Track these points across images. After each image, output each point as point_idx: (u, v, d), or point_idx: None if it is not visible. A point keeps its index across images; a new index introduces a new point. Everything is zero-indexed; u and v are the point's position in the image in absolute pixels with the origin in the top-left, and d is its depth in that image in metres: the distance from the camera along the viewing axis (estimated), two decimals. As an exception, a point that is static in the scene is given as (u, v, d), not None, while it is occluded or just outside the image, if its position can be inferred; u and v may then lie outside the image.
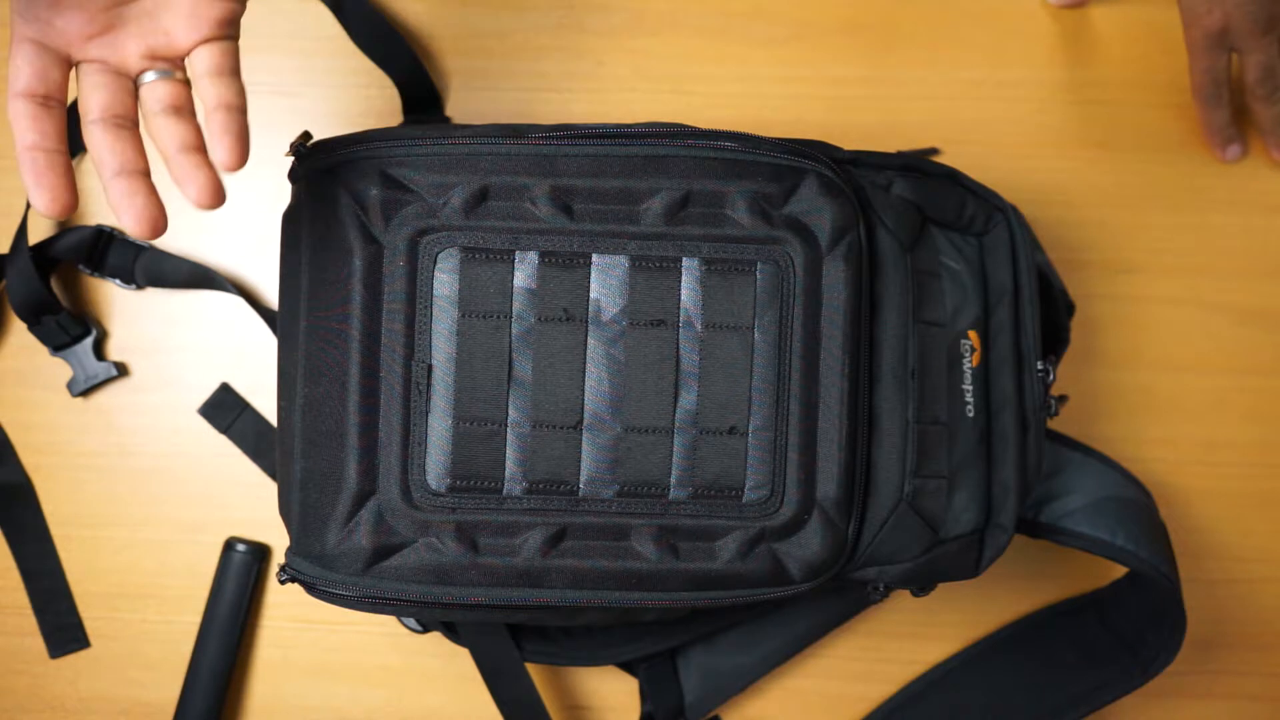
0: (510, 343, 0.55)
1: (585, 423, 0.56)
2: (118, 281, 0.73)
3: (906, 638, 0.74)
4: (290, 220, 0.58)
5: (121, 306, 0.73)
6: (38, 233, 0.72)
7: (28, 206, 0.70)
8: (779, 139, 0.57)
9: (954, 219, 0.63)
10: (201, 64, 0.51)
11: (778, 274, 0.56)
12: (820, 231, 0.57)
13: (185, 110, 0.50)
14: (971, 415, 0.62)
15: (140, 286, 0.73)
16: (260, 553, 0.72)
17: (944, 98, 0.75)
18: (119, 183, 0.48)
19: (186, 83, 0.51)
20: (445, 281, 0.55)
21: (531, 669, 0.70)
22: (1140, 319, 0.75)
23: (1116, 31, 0.76)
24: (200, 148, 0.49)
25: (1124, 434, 0.74)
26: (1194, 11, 0.69)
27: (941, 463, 0.60)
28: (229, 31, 0.51)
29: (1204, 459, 0.74)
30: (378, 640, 0.73)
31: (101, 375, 0.72)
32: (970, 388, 0.62)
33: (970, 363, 0.62)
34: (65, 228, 0.73)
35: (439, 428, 0.55)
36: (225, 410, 0.73)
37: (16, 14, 0.49)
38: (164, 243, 0.73)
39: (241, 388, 0.73)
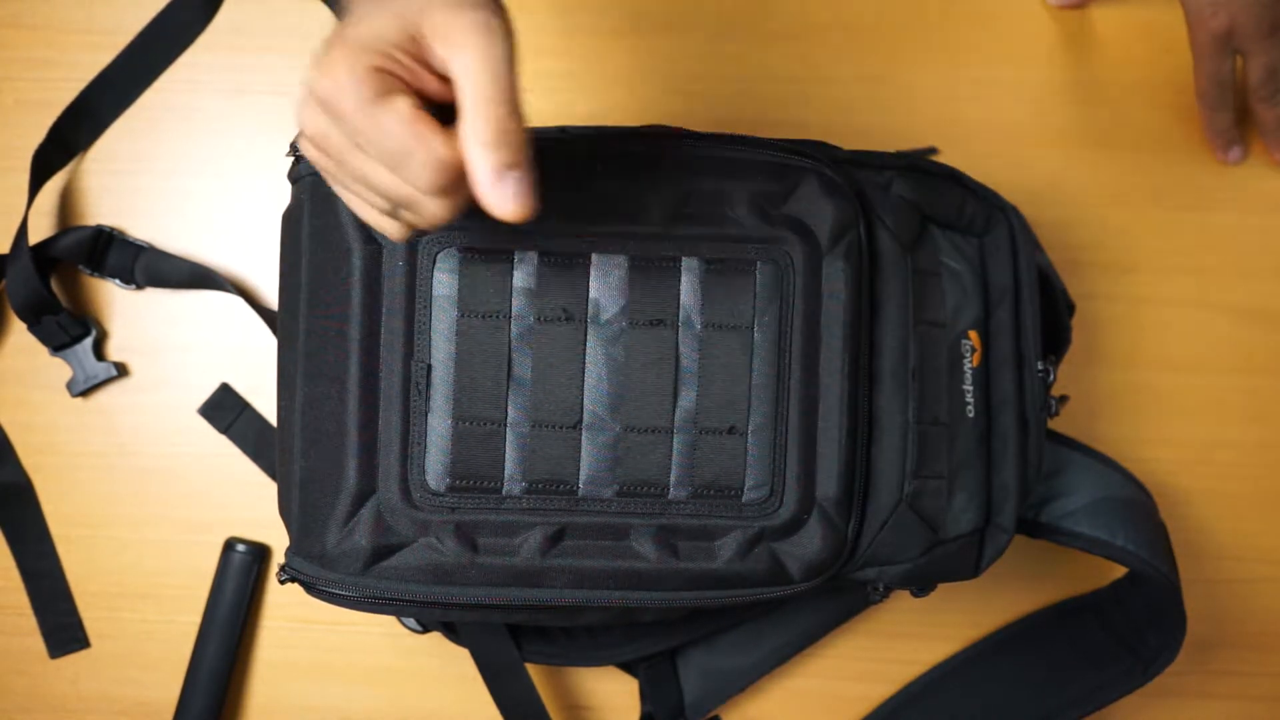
0: (509, 342, 0.55)
1: (584, 422, 0.56)
2: (118, 281, 0.73)
3: (906, 638, 0.74)
4: (290, 220, 0.58)
5: (121, 306, 0.73)
6: (38, 233, 0.72)
7: (28, 206, 0.70)
8: (778, 139, 0.57)
9: (954, 219, 0.63)
10: None
11: (777, 273, 0.56)
12: (820, 231, 0.56)
13: None
14: (972, 415, 0.62)
15: (140, 286, 0.73)
16: (260, 553, 0.72)
17: (944, 98, 0.75)
18: None
19: None
20: (444, 281, 0.55)
21: (531, 669, 0.69)
22: (1140, 319, 0.75)
23: (1116, 31, 0.76)
24: None
25: (1124, 434, 0.74)
26: (1199, 14, 0.69)
27: (941, 463, 0.60)
28: None
29: (1204, 459, 0.74)
30: (378, 640, 0.73)
31: (101, 375, 0.72)
32: (970, 388, 0.62)
33: (970, 363, 0.62)
34: (65, 228, 0.73)
35: (438, 427, 0.55)
36: (225, 410, 0.73)
37: None
38: (164, 243, 0.73)
39: (241, 388, 0.73)
